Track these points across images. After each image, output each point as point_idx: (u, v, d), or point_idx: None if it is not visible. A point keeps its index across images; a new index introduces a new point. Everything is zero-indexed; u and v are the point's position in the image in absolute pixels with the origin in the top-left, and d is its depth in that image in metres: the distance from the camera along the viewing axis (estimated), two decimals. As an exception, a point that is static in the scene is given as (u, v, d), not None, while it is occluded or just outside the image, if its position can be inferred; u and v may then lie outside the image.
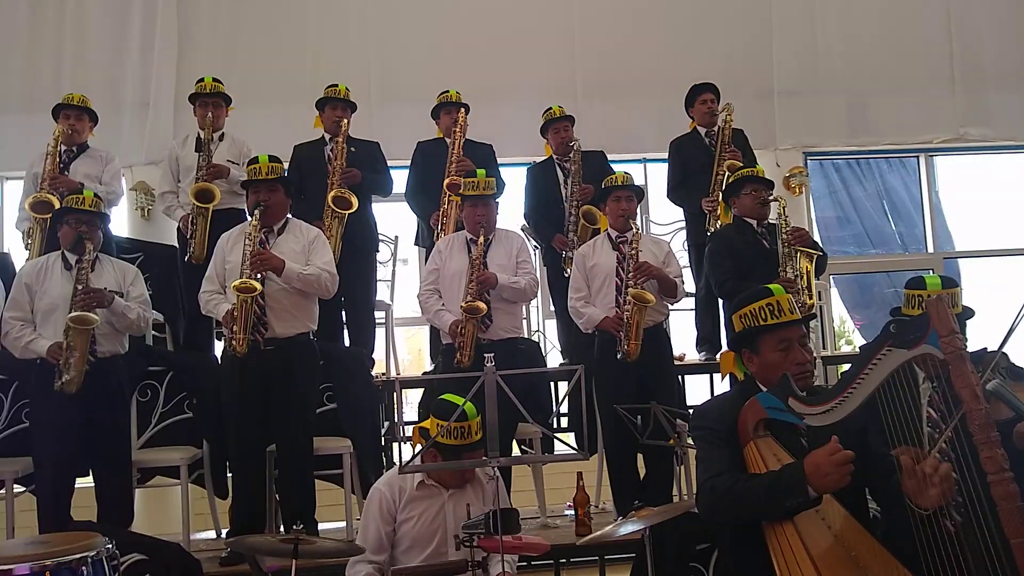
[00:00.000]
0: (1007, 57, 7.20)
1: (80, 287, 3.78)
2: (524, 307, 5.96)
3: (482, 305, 4.10)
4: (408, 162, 5.38)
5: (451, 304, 4.26)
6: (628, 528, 2.78)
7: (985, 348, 2.47)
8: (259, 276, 3.84)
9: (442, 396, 3.11)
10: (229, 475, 4.35)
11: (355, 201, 4.79)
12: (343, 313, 5.10)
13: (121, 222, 6.35)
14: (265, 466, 4.09)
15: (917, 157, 7.47)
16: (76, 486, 3.96)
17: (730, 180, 4.68)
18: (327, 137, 5.02)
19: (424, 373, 5.49)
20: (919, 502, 1.97)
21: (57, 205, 4.36)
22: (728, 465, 2.29)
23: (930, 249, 7.38)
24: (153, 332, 5.04)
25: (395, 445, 4.97)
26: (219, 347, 4.97)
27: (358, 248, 4.99)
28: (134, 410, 4.37)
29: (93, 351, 3.83)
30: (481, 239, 4.19)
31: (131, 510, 4.04)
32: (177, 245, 5.10)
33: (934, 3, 7.26)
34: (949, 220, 7.53)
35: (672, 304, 4.50)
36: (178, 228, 5.03)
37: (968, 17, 7.23)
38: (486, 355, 2.44)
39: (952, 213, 7.55)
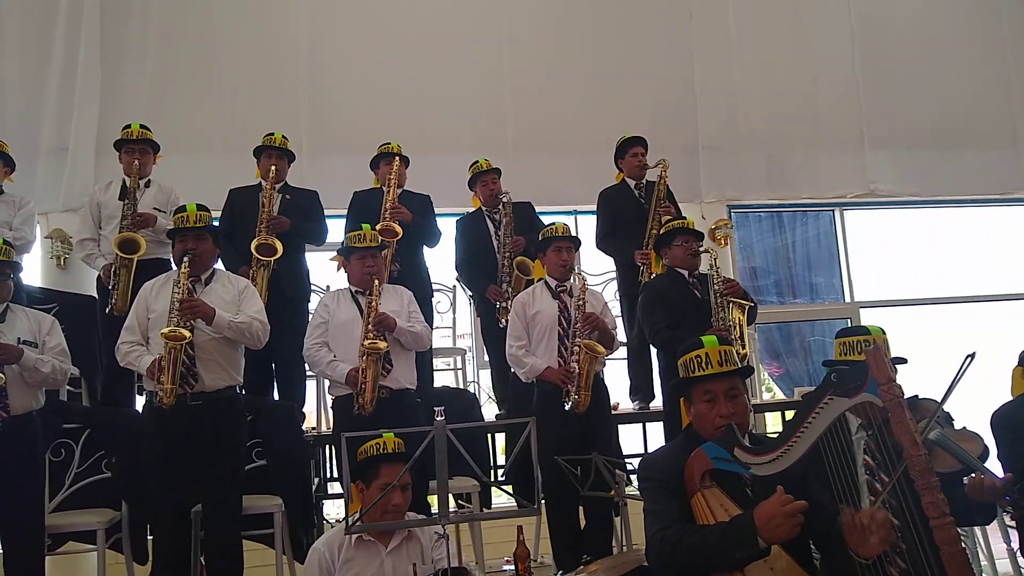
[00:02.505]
0: (910, 118, 7.69)
1: None
2: (459, 359, 5.96)
3: (383, 343, 4.02)
4: (340, 211, 5.34)
5: (343, 356, 4.16)
6: (577, 583, 2.75)
7: (916, 395, 2.58)
8: (188, 324, 3.70)
9: None
10: (150, 538, 4.12)
11: (280, 247, 4.71)
12: (272, 365, 4.96)
13: (35, 271, 6.05)
14: (190, 527, 3.89)
15: (832, 211, 7.85)
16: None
17: (661, 232, 4.79)
18: (263, 184, 4.95)
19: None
20: (861, 552, 2.01)
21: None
22: (677, 516, 2.29)
23: (847, 299, 7.71)
24: (68, 387, 4.78)
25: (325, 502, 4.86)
26: (140, 402, 4.76)
27: (288, 297, 4.89)
28: (46, 470, 4.10)
29: (6, 407, 3.60)
30: (376, 283, 4.14)
31: (41, 578, 3.76)
32: (96, 296, 4.90)
33: (844, 68, 7.73)
34: (860, 271, 7.89)
35: (608, 355, 4.53)
36: (98, 278, 4.84)
37: (874, 81, 7.72)
38: (435, 409, 2.39)
39: (863, 264, 7.92)
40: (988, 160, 7.81)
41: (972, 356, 2.04)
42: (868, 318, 7.36)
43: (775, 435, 2.27)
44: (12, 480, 3.64)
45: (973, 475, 2.37)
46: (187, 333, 3.65)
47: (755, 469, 2.18)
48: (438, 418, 2.34)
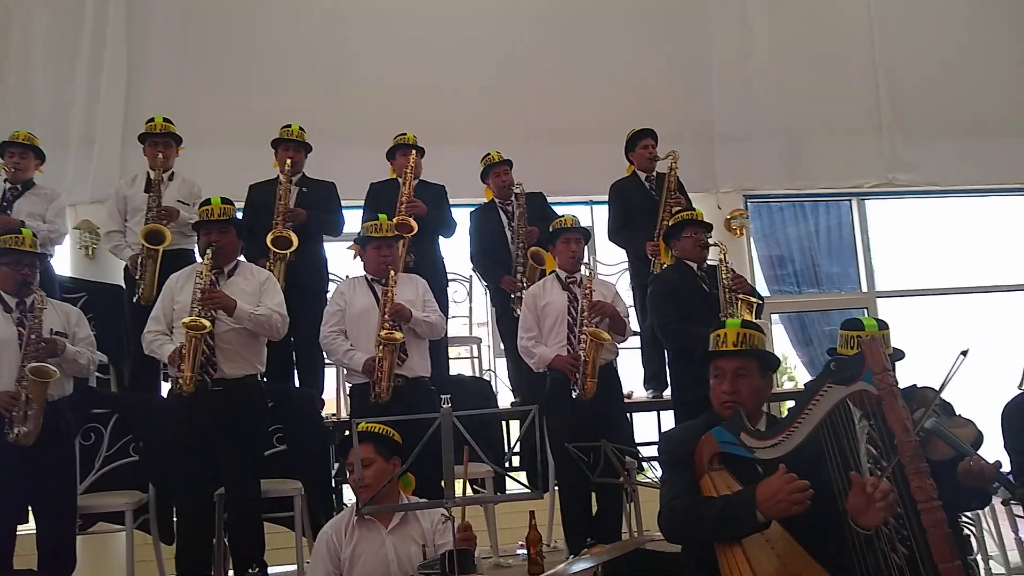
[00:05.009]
0: (930, 107, 7.60)
1: (33, 336, 3.72)
2: (475, 347, 6.05)
3: (399, 334, 4.11)
4: (358, 202, 5.42)
5: (359, 344, 4.25)
6: (580, 566, 2.82)
7: (915, 384, 2.63)
8: (209, 315, 3.82)
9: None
10: (175, 519, 4.26)
11: (295, 240, 4.79)
12: (293, 353, 5.07)
13: (64, 261, 6.21)
14: (213, 509, 4.03)
15: (849, 200, 7.81)
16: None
17: (670, 223, 4.82)
18: (281, 177, 5.04)
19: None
20: (861, 521, 2.08)
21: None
22: (689, 487, 2.41)
23: (863, 288, 7.69)
24: (97, 374, 4.93)
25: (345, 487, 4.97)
26: (166, 389, 4.90)
27: (307, 288, 4.98)
28: (77, 454, 4.25)
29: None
30: (392, 273, 4.21)
31: (73, 558, 3.89)
32: (124, 285, 5.04)
33: (861, 56, 7.66)
34: (878, 261, 7.86)
35: (621, 343, 4.59)
36: (126, 268, 4.97)
37: (894, 69, 7.64)
38: (442, 396, 2.48)
39: (881, 254, 7.88)
40: (1008, 148, 7.71)
41: (965, 353, 2.07)
42: (885, 308, 7.35)
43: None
44: (47, 464, 3.78)
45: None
46: (207, 323, 3.77)
47: (759, 453, 2.27)
48: (444, 405, 2.43)
